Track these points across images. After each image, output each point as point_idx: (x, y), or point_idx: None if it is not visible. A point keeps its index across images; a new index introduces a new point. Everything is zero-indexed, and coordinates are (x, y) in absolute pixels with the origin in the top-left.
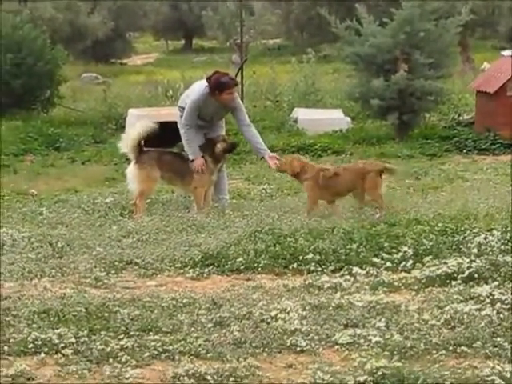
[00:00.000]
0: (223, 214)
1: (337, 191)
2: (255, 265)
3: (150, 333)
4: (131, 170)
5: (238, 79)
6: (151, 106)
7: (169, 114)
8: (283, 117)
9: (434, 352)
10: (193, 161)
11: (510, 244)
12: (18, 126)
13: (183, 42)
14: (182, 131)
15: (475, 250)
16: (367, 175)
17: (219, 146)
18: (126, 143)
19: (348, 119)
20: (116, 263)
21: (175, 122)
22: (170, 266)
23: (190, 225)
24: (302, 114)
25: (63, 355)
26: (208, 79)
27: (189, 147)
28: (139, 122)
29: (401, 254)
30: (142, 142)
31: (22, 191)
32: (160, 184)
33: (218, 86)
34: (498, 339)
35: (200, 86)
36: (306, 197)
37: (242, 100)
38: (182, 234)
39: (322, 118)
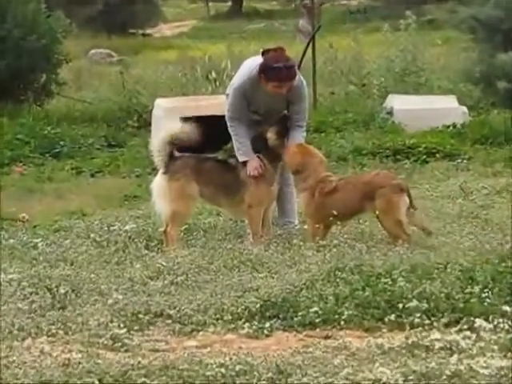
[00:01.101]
0: (290, 245)
1: (334, 213)
2: (336, 316)
3: None
4: (158, 182)
5: (309, 55)
6: (186, 95)
7: (211, 104)
8: (373, 107)
9: None
10: (245, 163)
11: None
12: (2, 125)
13: (230, 3)
14: (229, 126)
15: None
16: (377, 192)
17: (270, 136)
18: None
19: (464, 109)
20: (141, 316)
21: (221, 117)
22: (217, 320)
23: (243, 260)
24: (398, 102)
25: None
26: (263, 54)
27: (239, 146)
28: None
29: None
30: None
31: (9, 216)
32: (200, 203)
33: (266, 70)
34: None
35: (250, 65)
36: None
37: (314, 84)
38: (232, 273)
39: (428, 109)
